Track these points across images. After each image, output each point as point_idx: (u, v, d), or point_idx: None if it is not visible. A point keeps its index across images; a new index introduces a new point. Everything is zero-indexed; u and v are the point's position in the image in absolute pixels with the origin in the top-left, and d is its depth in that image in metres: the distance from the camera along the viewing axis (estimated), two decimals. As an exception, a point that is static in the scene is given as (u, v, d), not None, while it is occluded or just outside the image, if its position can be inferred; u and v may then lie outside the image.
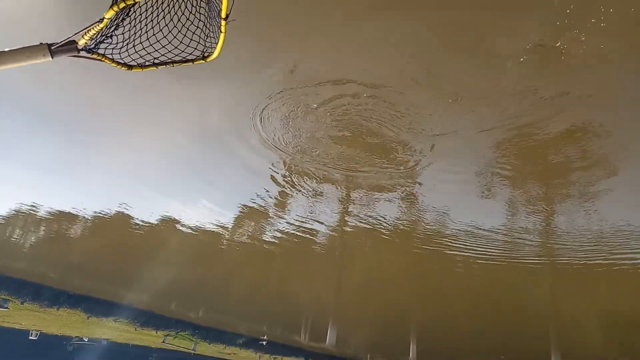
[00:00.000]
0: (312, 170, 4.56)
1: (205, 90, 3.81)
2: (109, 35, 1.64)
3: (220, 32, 1.70)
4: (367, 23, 2.89)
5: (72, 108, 4.46)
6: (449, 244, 5.18)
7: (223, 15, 1.64)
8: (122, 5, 1.44)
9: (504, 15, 2.67)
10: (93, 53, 1.57)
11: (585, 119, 3.29)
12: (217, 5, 1.68)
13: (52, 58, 1.42)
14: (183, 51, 1.77)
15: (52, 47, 1.42)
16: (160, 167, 5.29)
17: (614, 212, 4.26)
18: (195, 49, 1.77)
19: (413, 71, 3.20)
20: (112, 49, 1.65)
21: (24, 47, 1.38)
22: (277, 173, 4.80)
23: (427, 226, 5.03)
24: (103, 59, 1.62)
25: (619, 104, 3.15)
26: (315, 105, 3.77)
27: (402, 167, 4.26)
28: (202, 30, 1.79)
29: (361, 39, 3.03)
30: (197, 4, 1.77)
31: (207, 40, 1.80)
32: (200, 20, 1.80)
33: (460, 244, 5.17)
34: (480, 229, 4.84)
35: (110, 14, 1.45)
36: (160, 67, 1.75)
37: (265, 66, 3.42)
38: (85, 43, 1.51)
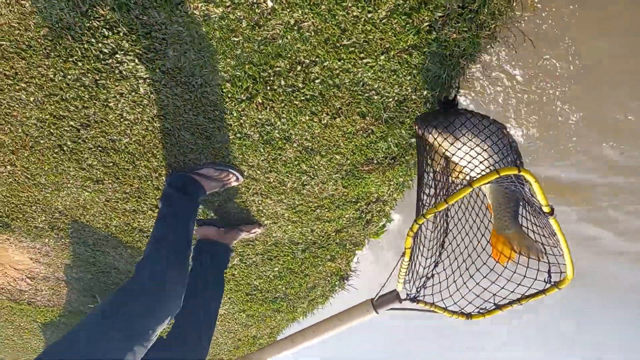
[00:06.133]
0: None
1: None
2: (429, 275, 1.40)
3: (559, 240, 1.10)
4: None
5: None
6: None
7: (546, 209, 1.06)
8: (440, 207, 1.09)
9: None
10: (418, 302, 1.35)
11: None
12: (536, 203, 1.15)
13: (377, 313, 1.36)
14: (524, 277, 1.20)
15: (374, 300, 1.37)
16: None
17: None
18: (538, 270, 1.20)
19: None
20: (440, 292, 1.34)
21: (353, 307, 1.39)
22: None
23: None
24: (434, 309, 1.34)
25: None
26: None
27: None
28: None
29: None
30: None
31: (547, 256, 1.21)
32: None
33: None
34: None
35: (415, 228, 1.14)
36: (506, 309, 1.27)
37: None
38: (405, 289, 1.35)
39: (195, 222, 1.88)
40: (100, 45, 1.57)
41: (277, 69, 1.60)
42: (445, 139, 1.38)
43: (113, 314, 1.45)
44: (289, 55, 1.55)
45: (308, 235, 2.38)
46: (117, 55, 1.60)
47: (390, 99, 1.67)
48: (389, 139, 1.81)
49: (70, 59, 1.62)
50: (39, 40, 1.57)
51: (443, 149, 1.38)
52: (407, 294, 1.35)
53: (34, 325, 3.64)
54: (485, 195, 1.43)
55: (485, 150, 1.34)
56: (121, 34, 1.54)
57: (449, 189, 1.44)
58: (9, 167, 2.08)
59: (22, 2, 1.49)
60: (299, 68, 1.59)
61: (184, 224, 1.79)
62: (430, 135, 1.41)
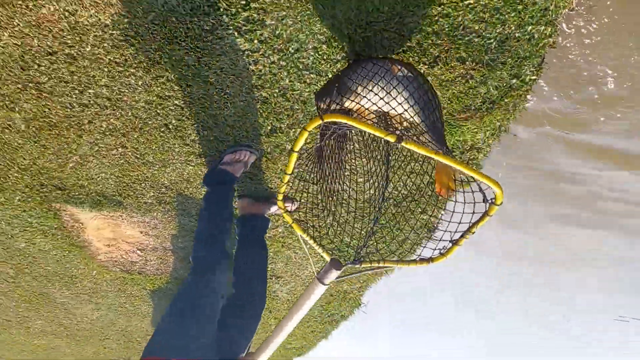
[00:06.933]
0: None
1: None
2: (370, 233, 1.48)
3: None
4: None
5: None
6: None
7: (391, 138, 0.95)
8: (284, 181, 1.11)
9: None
10: (362, 263, 1.31)
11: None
12: None
13: (325, 285, 1.34)
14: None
15: (317, 275, 1.35)
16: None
17: None
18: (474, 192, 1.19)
19: None
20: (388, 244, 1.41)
21: (307, 290, 1.40)
22: None
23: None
24: (384, 264, 1.32)
25: None
26: None
27: None
28: None
29: None
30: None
31: None
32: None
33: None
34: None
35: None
36: (462, 243, 1.21)
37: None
38: (338, 257, 1.34)
39: (232, 203, 2.21)
40: (202, 23, 1.64)
41: (374, 24, 1.59)
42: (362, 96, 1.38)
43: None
44: (387, 9, 1.54)
45: (402, 190, 2.41)
46: (218, 31, 1.66)
47: (492, 40, 1.61)
48: (489, 82, 1.76)
49: (175, 40, 1.70)
50: (146, 25, 1.66)
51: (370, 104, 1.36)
52: (345, 260, 1.33)
53: (144, 292, 4.03)
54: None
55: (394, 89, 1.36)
56: (221, 10, 1.59)
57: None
58: (120, 149, 2.26)
59: (130, -10, 1.57)
60: (396, 20, 1.57)
61: (224, 205, 2.15)
62: (348, 100, 1.40)
